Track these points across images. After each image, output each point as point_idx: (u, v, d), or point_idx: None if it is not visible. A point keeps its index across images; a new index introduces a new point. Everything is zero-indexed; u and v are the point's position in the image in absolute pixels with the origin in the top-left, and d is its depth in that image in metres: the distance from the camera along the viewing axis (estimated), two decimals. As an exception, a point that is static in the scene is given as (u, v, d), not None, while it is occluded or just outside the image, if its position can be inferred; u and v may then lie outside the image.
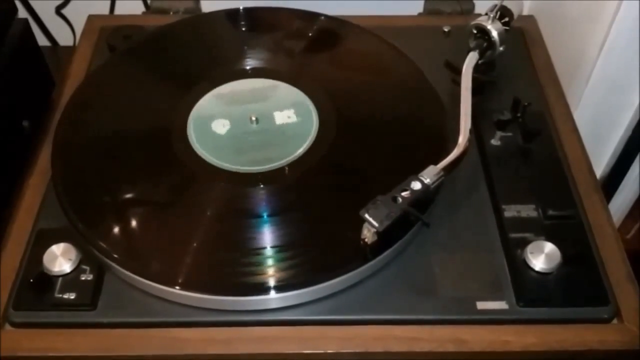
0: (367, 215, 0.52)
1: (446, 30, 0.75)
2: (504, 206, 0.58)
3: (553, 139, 0.65)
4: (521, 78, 0.72)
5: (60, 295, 0.53)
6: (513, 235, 0.56)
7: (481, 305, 0.53)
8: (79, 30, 0.88)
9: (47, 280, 0.53)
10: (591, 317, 0.53)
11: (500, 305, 0.53)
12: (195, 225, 0.56)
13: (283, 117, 0.65)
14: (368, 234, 0.53)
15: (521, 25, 0.77)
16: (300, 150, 0.61)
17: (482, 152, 0.63)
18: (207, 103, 0.66)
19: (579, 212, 0.59)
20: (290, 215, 0.57)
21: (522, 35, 0.77)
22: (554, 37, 0.79)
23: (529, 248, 0.55)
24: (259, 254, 0.54)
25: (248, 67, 0.70)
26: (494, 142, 0.63)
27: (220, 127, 0.64)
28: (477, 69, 0.66)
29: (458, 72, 0.66)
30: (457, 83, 0.66)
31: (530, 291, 0.53)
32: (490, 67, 0.70)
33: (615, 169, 0.84)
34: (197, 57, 0.71)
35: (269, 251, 0.54)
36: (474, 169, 0.63)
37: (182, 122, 0.63)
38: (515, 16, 0.70)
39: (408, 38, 0.73)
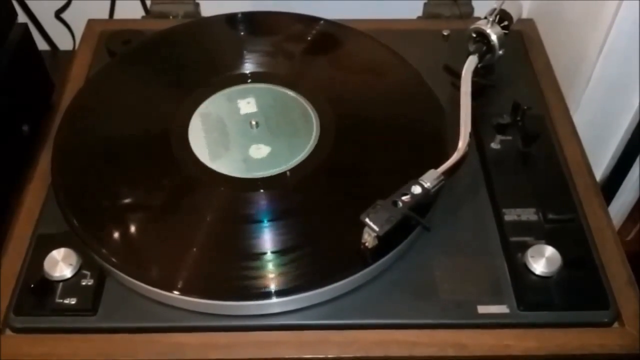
0: (367, 220, 0.52)
1: (445, 34, 0.75)
2: (504, 210, 0.58)
3: (553, 142, 0.65)
4: (520, 81, 0.72)
5: (61, 301, 0.53)
6: (513, 239, 0.56)
7: (482, 309, 0.53)
8: (78, 34, 0.89)
9: (47, 285, 0.53)
10: (592, 321, 0.53)
11: (501, 309, 0.53)
12: (195, 230, 0.56)
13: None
14: (369, 238, 0.53)
15: (520, 28, 0.77)
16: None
17: (482, 156, 0.64)
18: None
19: (579, 216, 0.59)
20: (291, 220, 0.57)
21: (521, 39, 0.77)
22: (553, 40, 0.79)
23: (530, 252, 0.55)
24: (259, 259, 0.54)
25: (248, 72, 0.70)
26: (494, 145, 0.64)
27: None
28: (476, 72, 0.66)
29: (457, 76, 0.66)
30: (457, 87, 0.66)
31: (531, 295, 0.53)
32: (490, 71, 0.70)
33: (615, 172, 0.84)
34: (196, 61, 0.71)
35: (269, 256, 0.54)
36: (474, 173, 0.63)
37: (182, 127, 0.63)
38: (515, 20, 0.70)
39: (407, 42, 0.73)
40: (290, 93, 0.67)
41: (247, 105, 0.66)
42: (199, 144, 0.62)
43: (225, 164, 0.61)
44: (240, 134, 0.64)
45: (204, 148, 0.62)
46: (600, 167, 0.85)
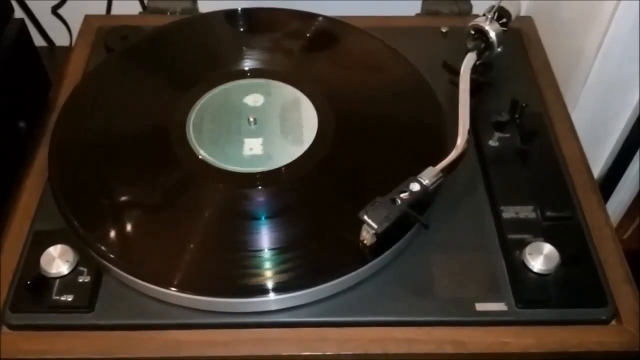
0: (366, 217, 0.52)
1: (444, 31, 0.75)
2: (502, 207, 0.58)
3: (551, 139, 0.65)
4: (519, 79, 0.72)
5: (58, 297, 0.52)
6: (511, 236, 0.56)
7: (480, 306, 0.53)
8: (75, 30, 0.88)
9: (44, 282, 0.53)
10: (590, 319, 0.53)
11: (499, 306, 0.53)
12: (193, 226, 0.55)
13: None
14: (367, 236, 0.53)
15: (519, 26, 0.77)
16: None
17: (480, 153, 0.63)
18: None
19: (577, 213, 0.59)
20: (289, 216, 0.57)
21: (519, 36, 0.77)
22: (551, 38, 0.79)
23: (528, 249, 0.55)
24: (257, 256, 0.54)
25: (246, 68, 0.69)
26: (492, 143, 0.63)
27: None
28: (474, 69, 0.66)
29: (456, 73, 0.66)
30: (455, 84, 0.66)
31: (529, 292, 0.53)
32: (488, 68, 0.70)
33: (612, 169, 0.84)
34: (195, 57, 0.71)
35: (267, 253, 0.54)
36: (472, 170, 0.63)
37: (180, 123, 0.63)
38: (513, 17, 0.70)
39: (406, 39, 0.73)
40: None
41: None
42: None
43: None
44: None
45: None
46: (598, 165, 0.85)
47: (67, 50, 0.83)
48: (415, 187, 0.54)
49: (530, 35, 0.78)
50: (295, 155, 0.61)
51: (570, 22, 0.79)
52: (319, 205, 0.58)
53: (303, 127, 0.63)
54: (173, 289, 0.52)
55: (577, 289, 0.54)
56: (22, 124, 0.69)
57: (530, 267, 0.54)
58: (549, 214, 0.58)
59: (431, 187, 0.55)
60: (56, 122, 0.64)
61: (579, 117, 0.76)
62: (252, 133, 0.63)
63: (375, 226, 0.52)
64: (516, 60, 0.74)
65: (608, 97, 0.77)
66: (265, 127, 0.64)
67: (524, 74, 0.73)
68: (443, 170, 0.56)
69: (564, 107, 0.71)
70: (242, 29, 0.75)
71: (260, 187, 0.58)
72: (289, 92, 0.67)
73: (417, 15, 0.83)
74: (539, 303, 0.53)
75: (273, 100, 0.66)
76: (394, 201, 0.53)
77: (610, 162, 0.84)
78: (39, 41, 0.94)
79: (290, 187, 0.59)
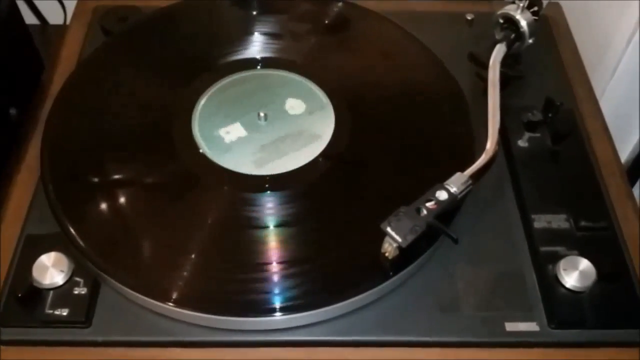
0: (389, 229, 0.48)
1: (469, 18, 0.69)
2: (533, 216, 0.54)
3: (583, 139, 0.60)
4: (547, 71, 0.67)
5: (52, 311, 0.49)
6: (544, 248, 0.52)
7: (510, 326, 0.49)
8: (70, 6, 0.83)
9: (36, 294, 0.49)
10: (628, 340, 0.49)
11: (530, 326, 0.49)
12: (197, 237, 0.51)
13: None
14: (389, 248, 0.49)
15: (546, 13, 0.72)
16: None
17: (508, 155, 0.59)
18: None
19: (613, 223, 0.55)
20: (302, 226, 0.52)
21: (547, 25, 0.72)
22: (577, 24, 0.74)
23: (562, 264, 0.51)
24: (266, 270, 0.50)
25: (259, 57, 0.64)
26: (522, 143, 0.59)
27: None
28: (502, 62, 0.61)
29: (483, 66, 0.61)
30: (482, 78, 0.61)
31: (563, 312, 0.49)
32: (517, 61, 0.65)
33: (637, 165, 0.80)
34: (201, 43, 0.66)
35: (276, 267, 0.50)
36: (499, 173, 0.58)
37: (184, 118, 0.59)
38: (544, 5, 0.65)
39: (427, 25, 0.68)
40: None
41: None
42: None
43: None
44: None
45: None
46: (622, 158, 0.80)
47: (61, 29, 0.79)
48: (442, 195, 0.50)
49: (559, 24, 0.73)
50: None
51: (599, 9, 0.74)
52: (335, 213, 0.54)
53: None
54: (175, 305, 0.48)
55: (614, 308, 0.50)
56: (12, 111, 0.65)
57: (564, 283, 0.50)
58: (583, 223, 0.54)
59: (460, 196, 0.50)
60: (49, 114, 0.60)
61: (603, 109, 0.72)
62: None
63: (399, 240, 0.47)
64: (544, 51, 0.69)
65: (636, 88, 0.72)
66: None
67: (552, 66, 0.68)
68: (472, 176, 0.51)
69: (595, 102, 0.66)
70: (254, 12, 0.69)
71: (269, 192, 0.54)
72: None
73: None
74: (573, 323, 0.49)
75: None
76: (419, 211, 0.49)
77: (633, 157, 0.80)
78: (30, 19, 0.88)
79: (303, 192, 0.55)
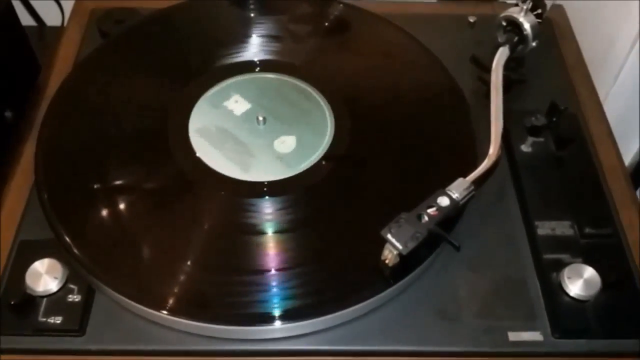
0: (389, 236, 0.47)
1: (471, 20, 0.68)
2: (536, 222, 0.53)
3: (587, 144, 0.59)
4: (550, 74, 0.66)
5: (45, 319, 0.47)
6: (547, 256, 0.51)
7: (513, 336, 0.48)
8: (67, 7, 0.82)
9: (30, 301, 0.48)
10: (634, 351, 0.48)
11: (534, 336, 0.48)
12: (194, 243, 0.50)
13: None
14: (390, 256, 0.48)
15: (549, 15, 0.71)
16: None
17: (510, 159, 0.58)
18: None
19: (618, 230, 0.54)
20: (300, 232, 0.51)
21: (550, 27, 0.71)
22: (579, 27, 0.72)
23: (567, 272, 0.50)
24: (263, 278, 0.48)
25: (257, 59, 0.63)
26: (525, 148, 0.58)
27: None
28: (505, 65, 0.60)
29: (486, 69, 0.60)
30: (484, 81, 0.60)
31: (568, 321, 0.48)
32: (520, 64, 0.64)
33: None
34: (199, 45, 0.65)
35: (274, 274, 0.49)
36: (502, 178, 0.57)
37: (181, 122, 0.58)
38: (548, 7, 0.64)
39: (428, 28, 0.67)
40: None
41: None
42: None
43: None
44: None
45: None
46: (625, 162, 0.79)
47: (58, 31, 0.77)
48: (444, 201, 0.49)
49: (562, 26, 0.72)
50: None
51: (602, 11, 0.73)
52: (334, 219, 0.52)
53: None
54: (170, 313, 0.47)
55: (619, 317, 0.49)
56: (7, 114, 0.64)
57: (568, 291, 0.49)
58: (587, 230, 0.52)
59: (462, 202, 0.49)
60: (44, 118, 0.59)
61: (607, 111, 0.70)
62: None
63: (400, 247, 0.46)
64: (547, 53, 0.68)
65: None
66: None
67: (555, 70, 0.67)
68: (475, 182, 0.50)
69: (599, 106, 0.65)
70: (252, 14, 0.68)
71: (267, 197, 0.53)
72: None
73: (441, 0, 0.76)
74: (578, 333, 0.48)
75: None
76: (420, 217, 0.48)
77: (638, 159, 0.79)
78: (27, 20, 0.87)
79: (302, 198, 0.53)
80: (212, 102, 0.60)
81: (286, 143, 0.57)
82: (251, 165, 0.55)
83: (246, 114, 0.59)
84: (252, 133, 0.58)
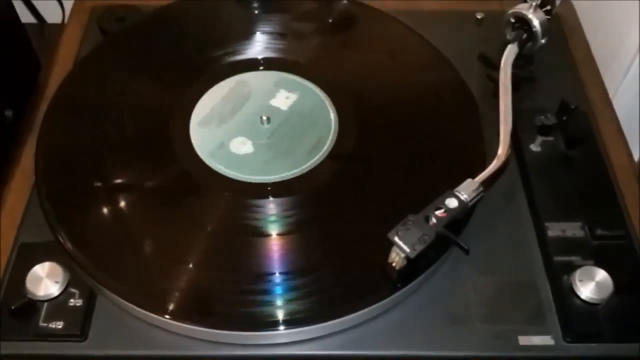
0: (396, 239, 0.46)
1: (479, 17, 0.67)
2: (547, 224, 0.52)
3: (598, 144, 0.58)
4: (559, 72, 0.65)
5: (46, 324, 0.47)
6: (558, 258, 0.50)
7: (524, 340, 0.47)
8: (68, 4, 0.81)
9: (30, 306, 0.47)
10: (646, 355, 0.47)
11: (545, 340, 0.47)
12: (197, 246, 0.49)
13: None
14: (397, 259, 0.47)
15: (557, 11, 0.70)
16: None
17: (520, 159, 0.57)
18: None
19: (630, 231, 0.52)
20: (305, 235, 0.50)
21: (559, 24, 0.69)
22: (587, 23, 0.71)
23: (578, 275, 0.49)
24: (268, 281, 0.48)
25: (260, 57, 0.62)
26: (534, 148, 0.57)
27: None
28: (514, 63, 0.59)
29: (494, 67, 0.59)
30: (492, 79, 0.59)
31: (580, 324, 0.47)
32: (529, 62, 0.63)
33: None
34: (201, 43, 0.64)
35: (279, 278, 0.48)
36: (511, 178, 0.56)
37: (183, 121, 0.57)
38: (557, 3, 0.63)
39: (435, 25, 0.66)
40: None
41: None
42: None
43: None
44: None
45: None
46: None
47: (59, 28, 0.76)
48: (452, 203, 0.48)
49: (570, 23, 0.71)
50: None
51: (610, 6, 0.72)
52: (340, 221, 0.51)
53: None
54: (173, 318, 0.46)
55: (632, 321, 0.48)
56: (8, 113, 0.63)
57: (580, 294, 0.48)
58: (599, 232, 0.51)
59: (470, 203, 0.48)
60: (44, 117, 0.58)
61: (616, 109, 0.69)
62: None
63: (407, 250, 0.45)
64: (556, 50, 0.67)
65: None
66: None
67: (564, 67, 0.66)
68: (484, 183, 0.49)
69: (610, 104, 0.64)
70: (256, 11, 0.67)
71: (271, 198, 0.52)
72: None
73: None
74: (590, 337, 0.47)
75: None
76: (427, 219, 0.47)
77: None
78: (27, 18, 0.87)
79: (306, 199, 0.52)
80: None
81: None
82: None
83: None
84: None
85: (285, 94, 0.60)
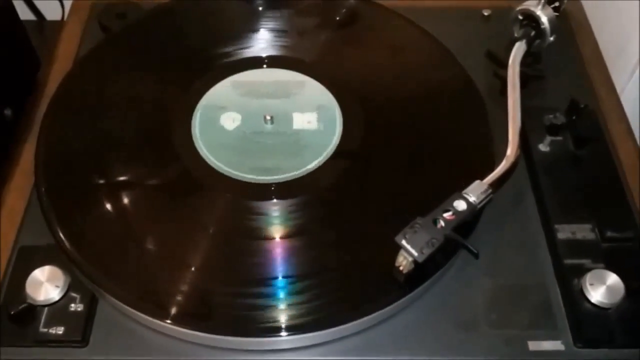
0: (404, 242, 0.45)
1: (486, 14, 0.66)
2: (556, 226, 0.51)
3: (608, 144, 0.57)
4: (567, 69, 0.64)
5: (46, 330, 0.46)
6: (568, 261, 0.49)
7: (533, 345, 0.46)
8: (68, 1, 0.80)
9: (30, 311, 0.46)
10: (659, 360, 0.46)
11: (555, 345, 0.47)
12: (199, 250, 0.48)
13: (303, 119, 0.57)
14: (404, 262, 0.46)
15: (565, 8, 0.68)
16: (322, 158, 0.53)
17: (528, 159, 0.56)
18: (215, 96, 0.58)
19: (640, 233, 0.52)
20: (310, 237, 0.49)
21: (567, 20, 0.68)
22: (594, 20, 0.70)
23: (589, 278, 0.48)
24: (271, 286, 0.47)
25: (264, 55, 0.61)
26: (543, 147, 0.56)
27: (230, 125, 0.56)
28: (522, 61, 0.58)
29: (502, 64, 0.58)
30: (500, 77, 0.58)
31: (591, 329, 0.46)
32: (537, 59, 0.62)
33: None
34: (203, 40, 0.63)
35: (283, 282, 0.47)
36: (519, 179, 0.55)
37: (185, 120, 0.56)
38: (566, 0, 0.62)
39: (441, 22, 0.65)
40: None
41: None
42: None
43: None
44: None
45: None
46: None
47: (59, 25, 0.75)
48: (460, 205, 0.47)
49: (578, 19, 0.69)
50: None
51: (618, 3, 0.70)
52: (345, 223, 0.50)
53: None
54: (175, 323, 0.45)
55: (643, 325, 0.47)
56: (7, 112, 0.62)
57: (590, 298, 0.47)
58: (609, 234, 0.50)
59: (479, 206, 0.47)
60: (44, 116, 0.57)
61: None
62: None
63: (415, 253, 0.44)
64: (563, 47, 0.65)
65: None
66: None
67: (572, 64, 0.65)
68: (492, 184, 0.48)
69: (618, 102, 0.63)
70: (260, 8, 0.66)
71: (274, 200, 0.51)
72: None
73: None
74: (601, 342, 0.46)
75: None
76: (435, 222, 0.46)
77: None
78: (26, 14, 0.85)
79: (311, 201, 0.51)
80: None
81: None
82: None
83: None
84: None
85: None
